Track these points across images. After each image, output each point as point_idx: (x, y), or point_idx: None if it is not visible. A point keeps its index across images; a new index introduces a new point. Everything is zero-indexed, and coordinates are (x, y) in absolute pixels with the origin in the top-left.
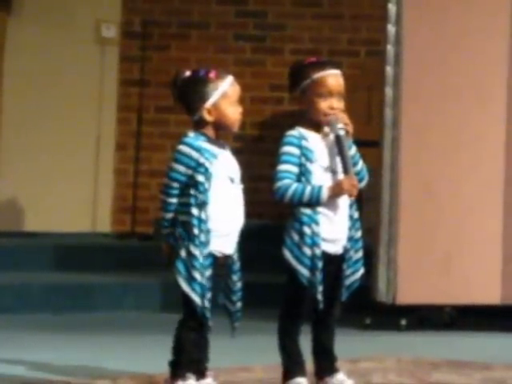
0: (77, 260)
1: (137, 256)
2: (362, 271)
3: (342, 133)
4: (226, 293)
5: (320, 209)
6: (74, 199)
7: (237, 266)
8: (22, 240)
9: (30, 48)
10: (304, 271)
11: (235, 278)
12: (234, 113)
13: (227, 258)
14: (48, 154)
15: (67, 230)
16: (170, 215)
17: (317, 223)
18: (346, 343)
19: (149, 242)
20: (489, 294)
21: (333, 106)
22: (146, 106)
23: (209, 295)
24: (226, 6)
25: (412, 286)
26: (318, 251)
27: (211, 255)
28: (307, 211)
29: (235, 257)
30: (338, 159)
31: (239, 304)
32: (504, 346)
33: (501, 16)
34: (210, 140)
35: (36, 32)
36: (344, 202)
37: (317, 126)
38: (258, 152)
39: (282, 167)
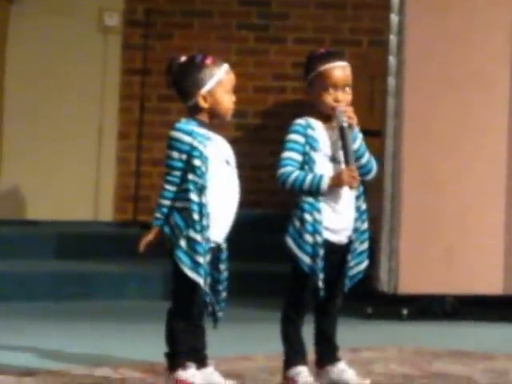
0: (79, 248)
1: (139, 244)
2: (366, 263)
3: (345, 124)
4: (213, 282)
5: (322, 197)
6: (76, 188)
7: (224, 254)
8: (24, 228)
9: (32, 37)
10: (305, 258)
11: (222, 267)
12: (228, 101)
13: (218, 246)
14: (50, 142)
15: (69, 219)
16: (166, 202)
17: (318, 211)
18: (347, 333)
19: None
20: (491, 284)
21: (338, 98)
22: (148, 95)
23: (209, 280)
24: None
25: (414, 276)
26: (319, 239)
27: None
28: (309, 199)
29: (224, 246)
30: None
31: (224, 294)
32: (506, 336)
33: (504, 6)
34: (201, 124)
35: (38, 20)
36: (349, 192)
37: (325, 117)
38: (260, 141)
39: (286, 154)
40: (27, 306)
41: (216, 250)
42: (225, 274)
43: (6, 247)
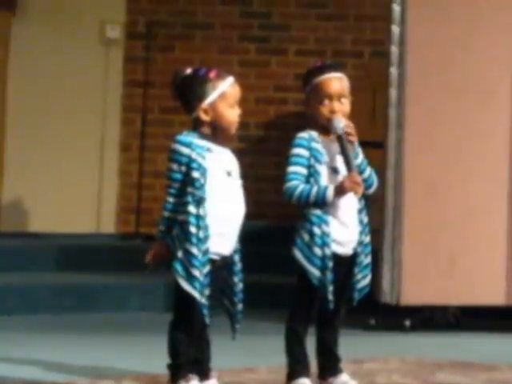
0: (81, 261)
1: (141, 257)
2: (370, 276)
3: (342, 132)
4: (227, 294)
5: (329, 210)
6: (79, 200)
7: (237, 267)
8: (27, 241)
9: (34, 48)
10: (315, 271)
11: (236, 279)
12: (231, 114)
13: (226, 259)
14: (52, 154)
15: (71, 231)
16: (167, 214)
17: (326, 223)
18: (350, 344)
19: (153, 242)
20: (493, 294)
21: (333, 109)
22: (151, 107)
23: (207, 292)
24: (231, 6)
25: (416, 287)
26: (328, 251)
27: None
28: (317, 212)
29: (236, 258)
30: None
31: (240, 306)
32: (508, 347)
33: (505, 16)
34: (202, 136)
35: (41, 32)
36: (353, 204)
37: (325, 129)
38: (262, 152)
39: (291, 169)
40: (28, 319)
41: (227, 263)
42: (240, 286)
43: (7, 259)
